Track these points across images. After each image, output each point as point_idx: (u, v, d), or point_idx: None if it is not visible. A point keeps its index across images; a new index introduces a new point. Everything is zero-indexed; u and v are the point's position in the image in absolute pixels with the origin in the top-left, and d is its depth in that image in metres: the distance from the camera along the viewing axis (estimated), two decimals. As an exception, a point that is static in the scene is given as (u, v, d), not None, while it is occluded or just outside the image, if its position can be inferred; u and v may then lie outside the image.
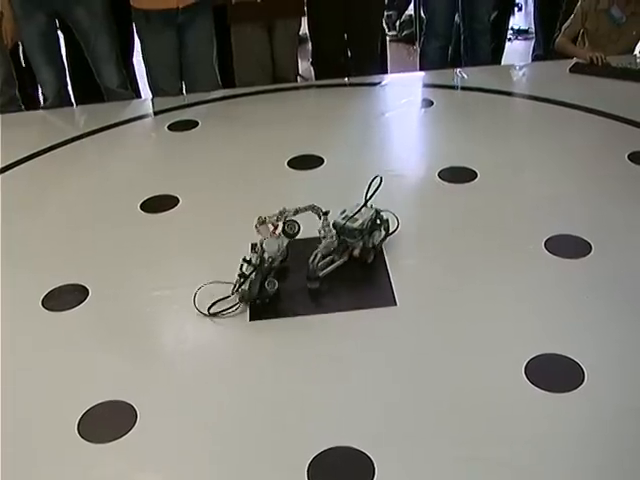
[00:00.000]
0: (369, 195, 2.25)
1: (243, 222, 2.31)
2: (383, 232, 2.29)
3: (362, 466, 1.65)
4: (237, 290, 2.14)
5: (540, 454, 1.66)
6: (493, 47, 4.81)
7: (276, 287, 2.14)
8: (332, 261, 2.23)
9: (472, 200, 2.63)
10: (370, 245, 2.25)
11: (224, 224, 2.53)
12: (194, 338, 2.10)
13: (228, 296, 2.15)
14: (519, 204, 2.58)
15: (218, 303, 2.14)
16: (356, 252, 2.23)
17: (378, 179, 2.25)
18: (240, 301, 2.14)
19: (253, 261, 2.13)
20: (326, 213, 2.25)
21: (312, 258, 2.17)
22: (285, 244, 2.21)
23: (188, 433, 1.78)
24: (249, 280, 2.12)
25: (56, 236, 2.60)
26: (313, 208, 2.23)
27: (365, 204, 2.25)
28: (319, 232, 2.24)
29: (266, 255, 2.14)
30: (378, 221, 2.28)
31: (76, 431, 1.79)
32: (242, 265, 2.14)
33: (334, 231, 2.22)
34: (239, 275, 2.14)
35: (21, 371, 2.01)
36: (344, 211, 2.25)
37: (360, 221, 2.22)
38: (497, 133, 3.14)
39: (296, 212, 2.22)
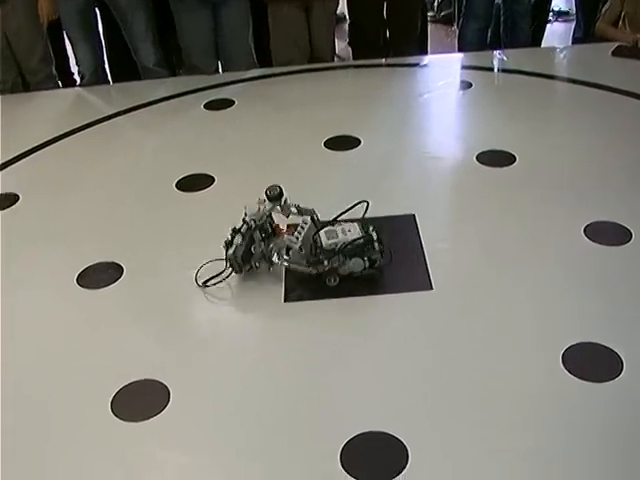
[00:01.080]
0: (342, 212, 2.17)
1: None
2: (367, 263, 2.12)
3: (396, 451, 1.63)
4: (226, 259, 2.15)
5: (574, 442, 1.64)
6: (533, 29, 4.73)
7: (262, 249, 2.14)
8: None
9: (510, 184, 2.59)
10: (344, 271, 2.11)
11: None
12: (228, 319, 2.10)
13: (223, 270, 2.16)
14: (558, 189, 2.54)
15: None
16: (326, 269, 2.10)
17: (365, 204, 2.17)
18: (233, 269, 2.15)
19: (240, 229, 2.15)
20: (315, 222, 2.15)
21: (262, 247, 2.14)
22: (269, 208, 2.16)
23: (219, 415, 1.78)
24: (234, 245, 2.13)
25: (91, 214, 2.60)
26: (312, 213, 2.16)
27: (333, 221, 2.17)
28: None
29: (247, 218, 2.14)
30: (367, 248, 2.11)
31: (109, 409, 1.79)
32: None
33: (298, 243, 2.10)
34: (225, 242, 2.15)
35: (55, 349, 2.02)
36: (333, 224, 2.16)
37: (336, 240, 2.09)
38: (536, 117, 3.08)
39: (298, 209, 2.17)
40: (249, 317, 2.11)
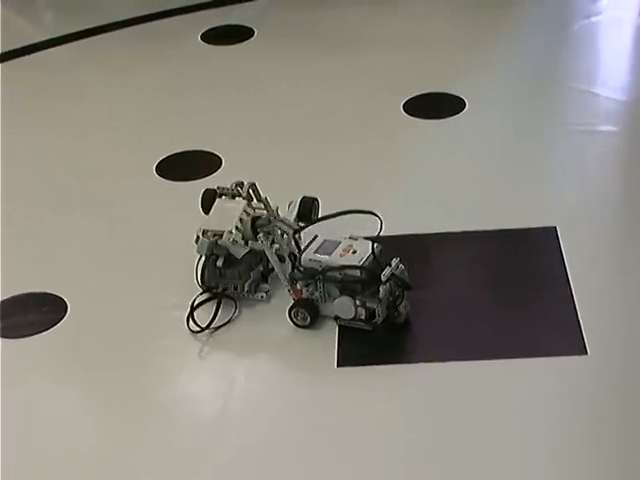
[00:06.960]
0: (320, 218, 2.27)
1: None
2: (360, 311, 2.15)
3: None
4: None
5: None
6: None
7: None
8: None
9: None
10: (326, 310, 2.18)
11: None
12: (244, 389, 2.14)
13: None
14: None
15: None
16: (293, 295, 2.21)
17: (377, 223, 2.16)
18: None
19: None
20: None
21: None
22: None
23: None
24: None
25: (8, 216, 2.67)
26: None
27: (306, 225, 2.24)
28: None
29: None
30: (367, 288, 2.12)
31: None
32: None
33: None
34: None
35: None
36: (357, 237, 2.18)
37: (322, 258, 2.13)
38: None
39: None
40: (280, 390, 2.14)
